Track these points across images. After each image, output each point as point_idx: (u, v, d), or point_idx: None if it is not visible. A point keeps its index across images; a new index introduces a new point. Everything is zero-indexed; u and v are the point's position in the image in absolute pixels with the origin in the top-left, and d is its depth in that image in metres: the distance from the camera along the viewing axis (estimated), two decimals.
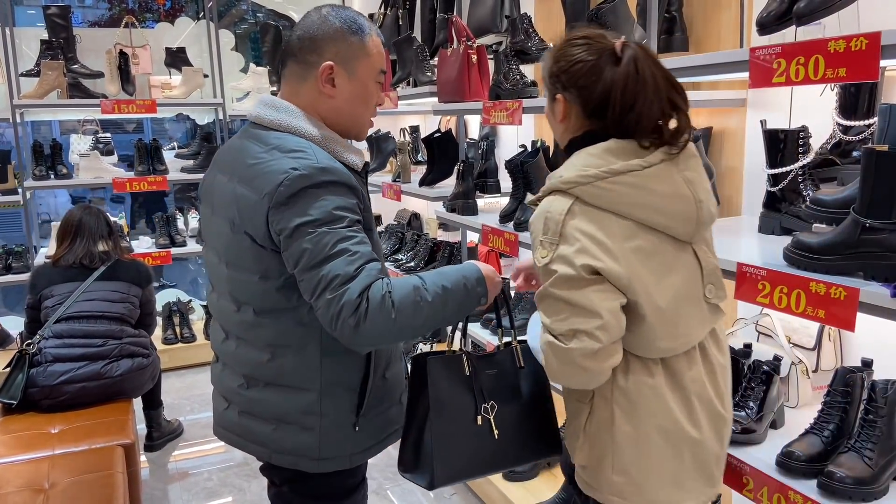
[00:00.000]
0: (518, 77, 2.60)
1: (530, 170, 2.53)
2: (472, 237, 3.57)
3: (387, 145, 4.17)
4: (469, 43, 2.86)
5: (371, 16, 4.37)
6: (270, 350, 1.48)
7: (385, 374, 1.56)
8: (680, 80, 2.08)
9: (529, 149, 2.73)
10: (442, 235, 4.17)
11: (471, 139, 3.49)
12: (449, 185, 3.42)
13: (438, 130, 3.50)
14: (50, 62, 4.22)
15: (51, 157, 4.46)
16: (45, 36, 4.43)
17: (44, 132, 6.76)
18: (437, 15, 3.72)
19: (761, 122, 1.83)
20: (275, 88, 1.34)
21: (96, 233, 3.23)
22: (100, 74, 4.55)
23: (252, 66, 4.97)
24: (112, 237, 3.30)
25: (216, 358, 1.66)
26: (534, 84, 2.56)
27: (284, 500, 1.62)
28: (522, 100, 2.47)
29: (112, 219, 3.65)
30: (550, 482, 2.80)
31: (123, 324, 3.10)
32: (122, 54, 4.50)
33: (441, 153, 3.41)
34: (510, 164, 2.63)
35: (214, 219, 1.53)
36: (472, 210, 3.04)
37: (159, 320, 4.60)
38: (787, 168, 1.75)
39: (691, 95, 2.25)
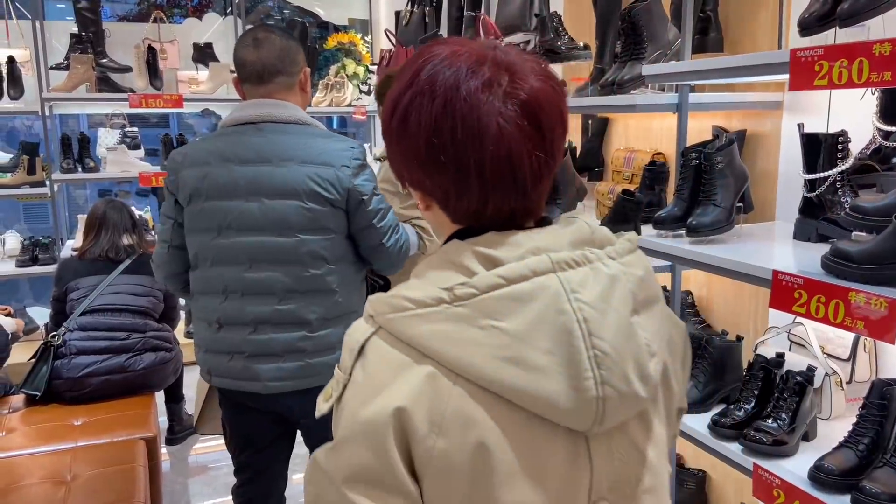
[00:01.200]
0: None
1: (558, 173, 2.50)
2: None
3: None
4: (498, 41, 2.83)
5: (398, 13, 4.35)
6: (339, 291, 1.88)
7: None
8: (715, 80, 2.04)
9: None
10: None
11: None
12: None
13: None
14: (79, 56, 4.25)
15: (78, 151, 4.50)
16: (75, 29, 4.47)
17: (72, 125, 6.84)
18: (465, 13, 3.69)
19: (799, 125, 1.78)
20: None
21: (120, 226, 3.25)
22: (128, 69, 4.58)
23: None
24: (136, 231, 3.32)
25: (253, 328, 1.87)
26: (563, 84, 2.52)
27: None
28: None
29: (136, 212, 3.68)
30: None
31: (147, 317, 3.11)
32: (151, 49, 4.52)
33: None
34: None
35: (263, 203, 1.81)
36: None
37: (182, 314, 4.63)
38: (825, 173, 1.70)
39: (725, 97, 2.22)
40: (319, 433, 1.96)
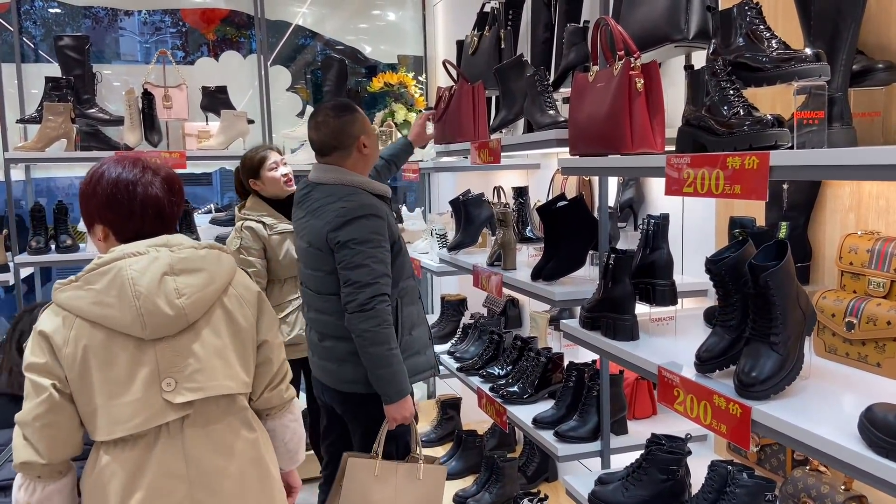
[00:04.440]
0: (740, 110, 1.42)
1: (773, 283, 1.33)
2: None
3: (479, 213, 3.05)
4: (632, 59, 1.72)
5: (459, 43, 3.33)
6: (341, 315, 2.33)
7: (412, 332, 2.42)
8: None
9: (748, 240, 1.53)
10: (553, 339, 2.98)
11: (609, 208, 2.30)
12: (580, 279, 2.25)
13: (563, 196, 2.35)
14: (53, 105, 3.33)
15: (54, 224, 3.54)
16: (57, 72, 3.57)
17: (75, 189, 6.01)
18: (556, 33, 2.62)
19: None
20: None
21: None
22: (121, 120, 3.65)
23: (310, 109, 3.99)
24: None
25: (310, 331, 2.54)
26: (778, 122, 1.38)
27: (356, 416, 2.47)
28: (769, 153, 1.29)
29: None
30: None
31: None
32: (147, 95, 3.59)
33: (567, 231, 2.25)
34: (721, 267, 1.44)
35: (305, 246, 2.42)
36: (628, 332, 1.85)
37: None
38: None
39: None
40: (359, 433, 2.43)
